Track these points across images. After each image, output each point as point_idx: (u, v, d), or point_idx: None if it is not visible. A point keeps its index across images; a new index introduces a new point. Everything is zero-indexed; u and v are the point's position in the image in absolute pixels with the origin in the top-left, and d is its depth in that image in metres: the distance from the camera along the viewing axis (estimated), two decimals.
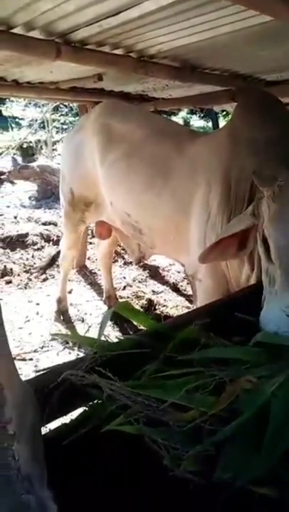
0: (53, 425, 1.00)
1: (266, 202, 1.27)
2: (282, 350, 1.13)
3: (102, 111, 2.56)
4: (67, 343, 2.86)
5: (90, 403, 1.03)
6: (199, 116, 13.80)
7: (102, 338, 1.20)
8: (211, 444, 0.87)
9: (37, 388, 0.95)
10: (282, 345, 1.14)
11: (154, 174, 2.15)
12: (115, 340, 1.26)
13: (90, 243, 4.30)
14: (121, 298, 3.71)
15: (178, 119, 15.09)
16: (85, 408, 1.03)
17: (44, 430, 0.96)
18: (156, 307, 3.60)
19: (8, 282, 3.77)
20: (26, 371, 2.36)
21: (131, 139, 2.29)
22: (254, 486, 0.79)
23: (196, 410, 0.96)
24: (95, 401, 1.03)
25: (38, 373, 1.07)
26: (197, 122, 14.12)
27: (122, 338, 1.27)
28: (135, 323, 2.98)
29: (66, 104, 8.43)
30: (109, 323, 3.07)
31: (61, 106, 9.56)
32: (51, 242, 4.49)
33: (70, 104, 8.34)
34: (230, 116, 2.25)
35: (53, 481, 0.73)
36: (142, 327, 1.37)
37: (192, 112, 13.74)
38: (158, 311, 3.55)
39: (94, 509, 0.84)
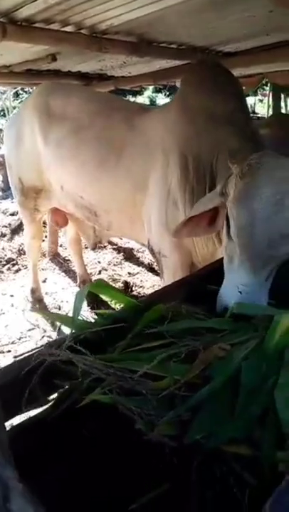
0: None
1: (234, 180, 1.26)
2: (256, 320, 1.14)
3: (41, 91, 2.44)
4: (45, 331, 2.86)
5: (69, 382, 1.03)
6: (165, 94, 13.68)
7: (79, 318, 1.20)
8: (185, 409, 0.89)
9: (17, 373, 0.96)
10: (257, 315, 1.16)
11: (106, 151, 2.08)
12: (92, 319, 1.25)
13: (61, 230, 4.24)
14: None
15: (143, 98, 14.89)
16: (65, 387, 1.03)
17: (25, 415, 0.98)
18: (133, 289, 3.61)
19: None
20: (5, 363, 2.33)
21: (76, 116, 2.21)
22: (226, 445, 0.81)
23: (169, 378, 0.97)
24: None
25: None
26: (163, 101, 14.00)
27: (98, 317, 1.26)
28: (111, 304, 3.00)
29: (26, 89, 8.16)
30: (85, 307, 3.06)
31: (21, 92, 9.25)
32: (21, 233, 4.40)
33: (30, 90, 8.07)
34: None
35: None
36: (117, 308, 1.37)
37: (157, 91, 13.60)
38: (135, 293, 3.57)
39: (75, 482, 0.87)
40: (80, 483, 0.89)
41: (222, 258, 1.73)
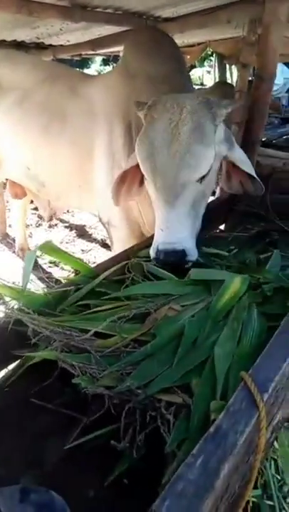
0: None
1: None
2: (211, 283, 1.19)
3: None
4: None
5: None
6: (113, 67, 13.35)
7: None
8: (127, 363, 0.93)
9: None
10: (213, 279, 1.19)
11: (49, 120, 2.05)
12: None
13: (9, 210, 4.11)
14: (50, 262, 3.64)
15: (91, 71, 14.44)
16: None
17: None
18: None
19: None
20: None
21: (21, 86, 2.17)
22: (161, 394, 0.85)
23: (118, 337, 1.00)
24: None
25: None
26: None
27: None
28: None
29: None
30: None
31: None
32: None
33: None
34: None
35: None
36: None
37: (105, 64, 13.24)
38: None
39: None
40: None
41: None
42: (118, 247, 2.10)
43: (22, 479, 0.87)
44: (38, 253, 1.29)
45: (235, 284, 1.17)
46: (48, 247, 1.29)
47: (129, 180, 1.47)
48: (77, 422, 0.94)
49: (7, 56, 2.38)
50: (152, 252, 1.26)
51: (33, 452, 0.95)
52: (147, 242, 1.47)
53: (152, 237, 1.32)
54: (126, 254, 1.43)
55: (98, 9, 2.27)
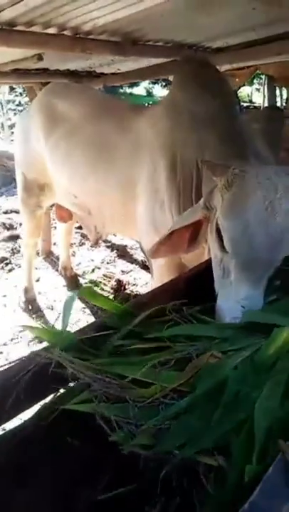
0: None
1: (219, 192, 1.23)
2: (260, 328, 1.12)
3: (47, 91, 2.55)
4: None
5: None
6: (161, 85, 13.58)
7: (68, 327, 1.20)
8: (165, 418, 0.88)
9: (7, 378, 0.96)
10: (266, 323, 1.15)
11: (97, 154, 2.12)
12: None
13: (55, 227, 4.23)
14: (91, 282, 3.71)
15: (140, 89, 14.78)
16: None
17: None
18: (126, 287, 3.61)
19: None
20: None
21: (72, 118, 2.26)
22: (199, 455, 0.81)
23: (157, 386, 0.96)
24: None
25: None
26: (159, 91, 13.90)
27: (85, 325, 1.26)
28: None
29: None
30: (79, 307, 3.07)
31: (15, 86, 9.15)
32: (15, 231, 4.39)
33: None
34: None
35: None
36: None
37: (153, 82, 13.49)
38: (128, 291, 3.57)
39: None
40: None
41: (208, 259, 1.74)
42: (158, 276, 2.12)
43: None
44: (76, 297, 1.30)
45: (284, 333, 1.12)
46: (87, 292, 1.30)
47: (175, 238, 1.41)
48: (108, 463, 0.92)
49: (60, 88, 2.50)
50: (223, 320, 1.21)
51: (62, 499, 0.94)
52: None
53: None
54: (166, 292, 1.41)
55: (149, 43, 2.32)
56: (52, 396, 1.08)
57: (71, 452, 0.98)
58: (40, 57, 2.38)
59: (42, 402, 1.09)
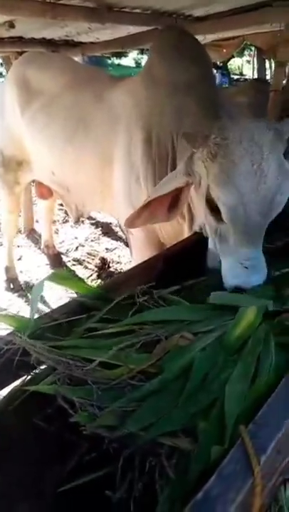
0: None
1: (202, 161, 1.21)
2: (230, 309, 1.12)
3: (21, 61, 2.42)
4: (18, 312, 2.83)
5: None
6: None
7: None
8: (130, 400, 0.87)
9: None
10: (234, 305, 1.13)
11: (74, 126, 2.04)
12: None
13: (36, 205, 4.15)
14: (74, 260, 3.67)
15: (129, 60, 14.35)
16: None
17: None
18: (110, 265, 3.58)
19: None
20: None
21: (48, 90, 2.17)
22: (164, 437, 0.80)
23: (124, 367, 0.95)
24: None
25: None
26: None
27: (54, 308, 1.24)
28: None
29: None
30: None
31: None
32: None
33: None
34: None
35: None
36: None
37: (142, 53, 13.11)
38: (112, 269, 3.54)
39: None
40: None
41: (186, 238, 1.71)
42: (137, 255, 2.09)
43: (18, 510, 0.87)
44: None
45: (250, 313, 1.10)
46: (58, 277, 1.27)
47: (154, 206, 1.37)
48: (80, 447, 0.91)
49: (35, 58, 2.38)
50: (230, 288, 1.22)
51: (31, 481, 0.93)
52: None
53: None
54: (144, 271, 1.38)
55: (126, 9, 2.21)
56: (20, 381, 1.06)
57: (40, 436, 0.97)
58: (11, 25, 2.27)
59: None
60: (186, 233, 1.76)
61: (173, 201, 1.40)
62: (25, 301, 2.94)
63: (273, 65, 5.98)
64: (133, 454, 0.80)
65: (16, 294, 3.06)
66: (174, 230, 1.86)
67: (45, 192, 2.87)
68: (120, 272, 3.44)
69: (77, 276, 3.41)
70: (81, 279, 3.26)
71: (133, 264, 2.08)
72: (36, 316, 1.17)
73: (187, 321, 1.12)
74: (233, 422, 0.81)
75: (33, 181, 2.92)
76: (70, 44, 3.17)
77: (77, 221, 2.76)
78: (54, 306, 1.17)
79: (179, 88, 1.69)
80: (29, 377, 1.04)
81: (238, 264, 1.21)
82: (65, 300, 2.48)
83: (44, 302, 2.78)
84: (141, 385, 0.93)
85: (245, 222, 1.16)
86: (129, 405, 0.87)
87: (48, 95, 2.17)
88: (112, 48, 3.19)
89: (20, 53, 2.90)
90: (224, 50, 5.68)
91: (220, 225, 1.24)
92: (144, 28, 2.72)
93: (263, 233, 1.21)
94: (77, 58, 3.57)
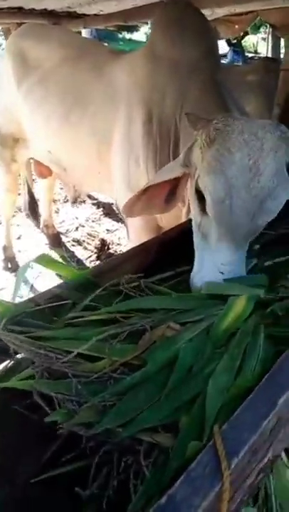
0: None
1: (199, 148, 1.12)
2: (223, 298, 1.07)
3: (19, 33, 2.34)
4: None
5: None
6: None
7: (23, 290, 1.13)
8: (112, 393, 0.84)
9: None
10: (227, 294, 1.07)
11: (71, 102, 1.96)
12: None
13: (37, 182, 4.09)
14: (74, 240, 3.63)
15: (140, 34, 13.92)
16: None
17: None
18: (110, 246, 3.54)
19: None
20: None
21: (45, 63, 2.09)
22: (143, 433, 0.77)
23: (108, 360, 0.91)
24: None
25: None
26: None
27: (35, 294, 1.20)
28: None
29: None
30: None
31: None
32: None
33: None
34: None
35: None
36: None
37: None
38: (112, 251, 3.51)
39: None
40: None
41: (184, 222, 1.66)
42: (134, 238, 2.05)
43: None
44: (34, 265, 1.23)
45: (240, 303, 1.06)
46: (45, 260, 1.23)
47: (152, 193, 1.29)
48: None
49: (33, 31, 2.30)
50: (198, 286, 1.14)
51: (5, 468, 0.91)
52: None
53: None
54: (135, 257, 1.34)
55: None
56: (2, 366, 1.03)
57: (21, 423, 0.94)
58: None
59: None
60: (185, 218, 1.71)
61: (170, 193, 1.33)
62: (22, 281, 2.91)
63: (284, 43, 5.76)
64: (110, 451, 0.77)
65: (14, 274, 3.04)
66: (173, 215, 1.81)
67: (44, 170, 2.81)
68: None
69: (75, 257, 3.38)
70: (74, 262, 3.21)
71: (129, 247, 2.04)
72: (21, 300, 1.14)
73: (176, 309, 1.08)
74: (213, 417, 0.78)
75: (32, 158, 2.87)
76: (72, 16, 3.05)
77: (75, 201, 2.71)
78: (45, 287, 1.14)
79: (182, 67, 1.61)
80: (9, 365, 1.01)
81: (213, 267, 1.12)
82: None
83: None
84: (123, 378, 0.90)
85: (229, 219, 1.06)
86: (110, 400, 0.84)
87: (44, 68, 2.09)
88: (114, 20, 3.07)
89: (20, 25, 2.79)
90: (236, 26, 5.45)
91: (203, 218, 1.14)
92: (151, 1, 2.59)
93: (249, 237, 1.11)
94: (86, 32, 3.44)
